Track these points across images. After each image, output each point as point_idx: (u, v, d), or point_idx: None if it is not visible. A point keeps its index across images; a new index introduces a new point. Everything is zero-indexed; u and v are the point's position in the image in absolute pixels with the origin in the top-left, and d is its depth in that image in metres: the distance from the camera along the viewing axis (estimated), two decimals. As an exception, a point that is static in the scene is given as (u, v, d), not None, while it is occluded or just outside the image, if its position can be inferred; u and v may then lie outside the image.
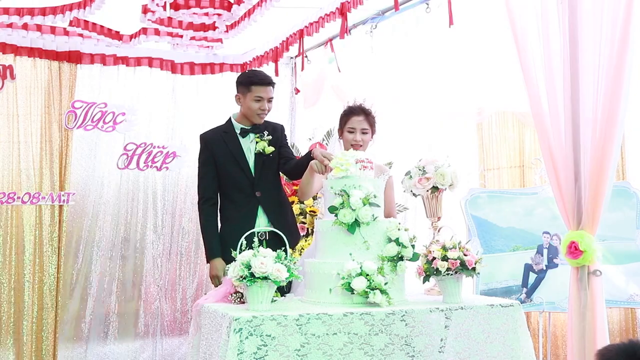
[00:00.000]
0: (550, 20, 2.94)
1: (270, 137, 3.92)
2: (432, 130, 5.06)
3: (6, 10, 4.53)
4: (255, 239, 2.96)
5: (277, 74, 5.14)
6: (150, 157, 5.32)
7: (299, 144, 5.61)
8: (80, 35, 5.04)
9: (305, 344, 2.73)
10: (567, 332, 3.43)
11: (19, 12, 4.54)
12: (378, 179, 3.47)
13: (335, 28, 4.61)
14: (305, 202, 4.96)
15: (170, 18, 4.62)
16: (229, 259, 3.02)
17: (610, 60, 2.75)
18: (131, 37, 5.10)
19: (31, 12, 4.53)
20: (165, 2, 4.28)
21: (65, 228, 5.06)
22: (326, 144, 5.29)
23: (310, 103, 5.59)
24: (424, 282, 3.18)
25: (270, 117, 4.06)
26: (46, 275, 4.98)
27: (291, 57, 5.90)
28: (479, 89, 4.53)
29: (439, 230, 3.58)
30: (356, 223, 3.05)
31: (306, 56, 5.29)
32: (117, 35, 5.09)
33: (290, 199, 4.87)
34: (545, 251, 4.46)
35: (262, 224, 3.82)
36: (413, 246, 3.08)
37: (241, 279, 2.79)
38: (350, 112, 3.79)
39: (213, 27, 4.81)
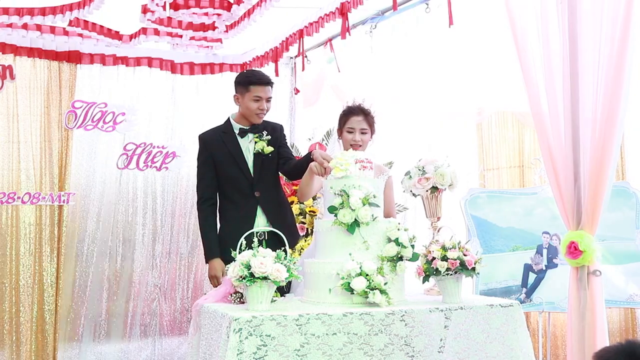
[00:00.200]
0: (549, 20, 2.94)
1: (269, 137, 3.92)
2: (431, 130, 5.07)
3: (6, 10, 4.53)
4: (255, 239, 2.96)
5: (277, 74, 5.14)
6: (150, 157, 5.32)
7: (299, 144, 5.61)
8: (80, 35, 5.04)
9: (305, 344, 2.73)
10: (566, 332, 3.43)
11: (19, 12, 4.54)
12: (378, 179, 3.47)
13: (335, 28, 4.61)
14: (304, 202, 4.96)
15: (169, 18, 4.62)
16: (228, 259, 3.02)
17: (610, 60, 2.75)
18: (131, 37, 5.10)
19: (31, 12, 4.52)
20: (165, 2, 4.28)
21: (65, 228, 5.06)
22: (326, 144, 5.29)
23: (309, 103, 5.59)
24: (423, 282, 3.18)
25: (269, 117, 4.06)
26: (46, 275, 4.98)
27: (291, 57, 5.90)
28: (478, 89, 4.53)
29: (438, 230, 3.57)
30: (356, 223, 3.05)
31: (306, 56, 5.28)
32: (117, 35, 5.09)
33: (290, 199, 4.87)
34: (544, 251, 4.46)
35: (261, 224, 3.82)
36: (413, 246, 3.08)
37: (241, 279, 2.79)
38: (350, 112, 3.79)
39: (213, 27, 4.81)
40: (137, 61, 5.36)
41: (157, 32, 4.93)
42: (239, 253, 2.85)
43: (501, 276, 4.48)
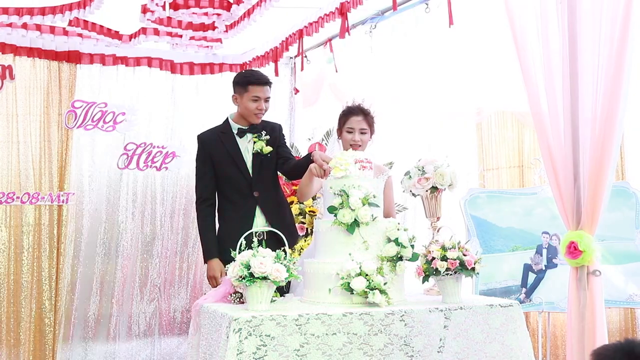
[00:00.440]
0: (549, 20, 2.94)
1: (268, 137, 3.92)
2: (431, 130, 5.06)
3: (5, 10, 4.52)
4: (255, 239, 2.96)
5: (276, 74, 5.14)
6: (150, 157, 5.32)
7: (298, 144, 5.61)
8: (80, 35, 5.03)
9: (305, 344, 2.73)
10: (566, 332, 3.43)
11: (19, 11, 4.54)
12: (377, 179, 3.47)
13: (334, 28, 4.60)
14: (304, 202, 4.97)
15: (169, 18, 4.61)
16: (227, 259, 3.02)
17: (610, 60, 2.75)
18: (130, 37, 5.09)
19: (30, 11, 4.52)
20: (164, 2, 4.28)
21: (64, 228, 5.06)
22: (325, 144, 5.29)
23: (309, 103, 5.59)
24: (423, 282, 3.18)
25: (269, 117, 4.06)
26: (45, 275, 4.97)
27: (291, 57, 5.90)
28: (478, 89, 4.54)
29: (438, 230, 3.57)
30: (355, 223, 3.05)
31: (306, 56, 5.28)
32: (117, 35, 5.09)
33: (290, 199, 4.87)
34: (544, 251, 4.46)
35: (260, 224, 3.82)
36: (412, 246, 3.08)
37: (240, 279, 2.79)
38: (349, 112, 3.79)
39: (212, 27, 4.81)
40: (137, 61, 5.36)
41: (156, 32, 4.93)
42: (239, 253, 2.86)
43: (501, 276, 4.48)
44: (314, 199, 4.99)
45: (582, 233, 2.84)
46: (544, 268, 4.45)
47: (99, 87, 5.25)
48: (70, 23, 4.77)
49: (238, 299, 3.04)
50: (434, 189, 3.56)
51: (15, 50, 4.95)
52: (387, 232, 3.11)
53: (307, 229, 5.06)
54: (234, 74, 4.09)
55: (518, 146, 5.41)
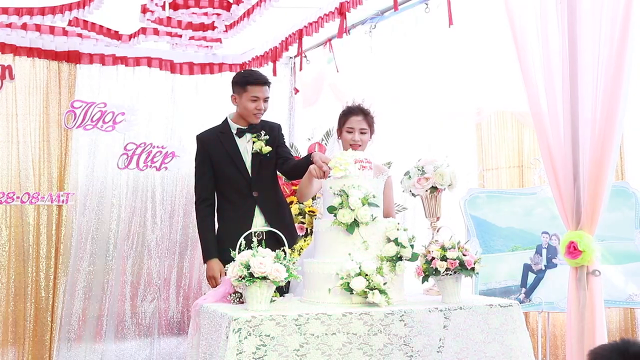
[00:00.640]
0: (549, 20, 2.94)
1: (267, 136, 3.91)
2: (431, 130, 5.06)
3: (5, 10, 4.52)
4: (254, 239, 2.96)
5: (274, 74, 5.14)
6: (150, 157, 5.32)
7: (298, 144, 5.61)
8: (80, 35, 5.04)
9: (304, 344, 2.73)
10: (566, 332, 3.43)
11: (18, 11, 4.54)
12: (377, 178, 3.47)
13: (334, 28, 4.60)
14: (304, 202, 4.97)
15: (169, 18, 4.61)
16: (226, 259, 3.01)
17: (610, 60, 2.75)
18: (130, 36, 5.09)
19: (30, 12, 4.52)
20: (164, 2, 4.28)
21: (63, 228, 5.06)
22: (325, 143, 5.29)
23: (309, 103, 5.59)
24: (423, 282, 3.18)
25: (269, 117, 4.06)
26: (45, 275, 4.97)
27: (290, 57, 5.90)
28: (478, 89, 4.53)
29: (438, 230, 3.57)
30: (355, 223, 3.05)
31: (305, 56, 5.29)
32: (116, 35, 5.09)
33: (289, 199, 4.87)
34: (544, 251, 4.46)
35: (259, 224, 3.82)
36: (412, 246, 3.08)
37: (240, 279, 2.79)
38: (349, 112, 3.79)
39: (212, 27, 4.81)
40: (137, 61, 5.36)
41: (156, 32, 4.93)
42: (238, 253, 2.85)
43: (500, 276, 4.48)
44: (313, 199, 4.99)
45: (581, 233, 2.84)
46: (543, 268, 4.45)
47: (99, 87, 5.25)
48: (69, 23, 4.77)
49: (238, 299, 3.04)
50: (434, 189, 3.56)
51: (15, 50, 4.96)
52: (387, 232, 3.11)
53: (306, 229, 5.06)
54: (233, 74, 4.08)
55: (518, 146, 5.41)
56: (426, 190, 3.56)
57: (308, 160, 3.62)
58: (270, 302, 2.90)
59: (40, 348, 4.94)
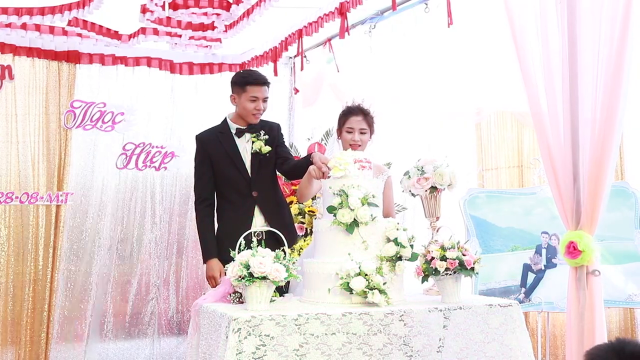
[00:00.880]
0: (549, 20, 2.94)
1: (266, 136, 3.91)
2: (430, 130, 5.06)
3: (5, 10, 4.52)
4: (254, 239, 2.96)
5: (276, 74, 5.14)
6: (149, 157, 5.32)
7: (298, 144, 5.61)
8: (79, 35, 5.03)
9: (304, 343, 2.73)
10: (565, 332, 3.43)
11: (18, 11, 4.54)
12: (377, 178, 3.47)
13: (334, 28, 4.61)
14: (304, 202, 4.97)
15: (169, 18, 4.61)
16: (226, 259, 3.01)
17: (609, 59, 2.75)
18: (130, 36, 5.09)
19: (30, 11, 4.52)
20: (164, 2, 4.28)
21: (62, 228, 5.06)
22: (325, 143, 5.29)
23: (309, 103, 5.59)
24: (422, 282, 3.18)
25: (269, 117, 4.05)
26: (43, 275, 4.97)
27: (290, 57, 5.90)
28: (477, 89, 4.54)
29: (437, 230, 3.57)
30: (355, 223, 3.05)
31: (305, 56, 5.28)
32: (116, 35, 5.09)
33: (289, 199, 4.87)
34: (543, 251, 4.46)
35: (258, 223, 3.82)
36: (412, 246, 3.08)
37: (240, 278, 2.79)
38: (349, 112, 3.79)
39: (212, 26, 4.81)
40: (136, 61, 5.36)
41: (156, 32, 4.93)
42: (238, 253, 2.85)
43: (500, 276, 4.48)
44: (313, 198, 4.99)
45: (581, 233, 2.84)
46: (543, 268, 4.45)
47: (98, 87, 5.25)
48: (69, 23, 4.77)
49: (237, 299, 3.04)
50: (433, 188, 3.55)
51: (15, 50, 4.95)
52: (387, 232, 3.10)
53: (306, 228, 5.06)
54: (233, 74, 4.08)
55: (517, 146, 5.41)
56: (426, 190, 3.56)
57: (308, 161, 3.62)
58: (270, 302, 2.90)
59: (38, 348, 4.94)
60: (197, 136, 4.03)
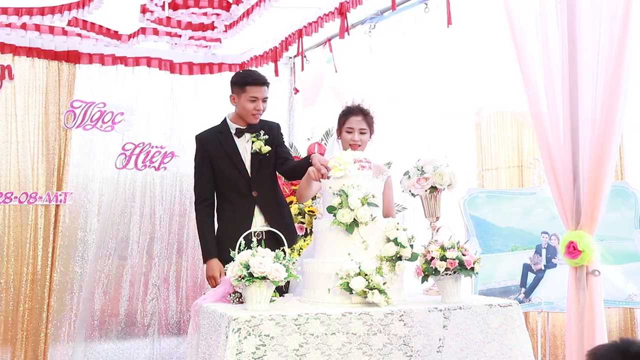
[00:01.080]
0: (548, 20, 2.94)
1: (266, 136, 3.91)
2: (430, 130, 5.06)
3: (5, 10, 4.52)
4: (254, 239, 2.96)
5: (276, 74, 5.14)
6: (149, 157, 5.31)
7: (298, 144, 5.61)
8: (79, 35, 5.03)
9: (304, 343, 2.73)
10: (565, 332, 3.43)
11: (18, 11, 4.54)
12: (377, 178, 3.47)
13: (334, 28, 4.61)
14: (303, 203, 4.96)
15: (168, 18, 4.61)
16: (225, 259, 3.01)
17: (609, 59, 2.75)
18: (130, 36, 5.09)
19: (30, 11, 4.52)
20: (163, 2, 4.28)
21: (61, 227, 5.06)
22: (325, 143, 5.29)
23: (309, 103, 5.59)
24: (422, 282, 3.18)
25: (269, 117, 4.05)
26: (42, 274, 4.97)
27: (290, 57, 5.90)
28: (477, 89, 4.53)
29: (437, 230, 3.57)
30: (355, 223, 3.05)
31: (305, 56, 5.28)
32: (116, 35, 5.09)
33: (289, 199, 4.87)
34: (543, 251, 4.46)
35: (258, 223, 3.82)
36: (412, 246, 3.08)
37: (240, 278, 2.79)
38: (349, 112, 3.79)
39: (212, 26, 4.81)
40: (136, 61, 5.36)
41: (156, 32, 4.93)
42: (238, 253, 2.85)
43: (500, 276, 4.48)
44: (313, 198, 4.99)
45: (581, 233, 2.83)
46: (543, 268, 4.45)
47: (98, 87, 5.25)
48: (69, 23, 4.77)
49: (237, 299, 3.04)
50: (433, 188, 3.55)
51: (15, 50, 4.95)
52: (387, 231, 3.10)
53: (306, 229, 5.06)
54: (233, 74, 4.08)
55: (517, 146, 5.41)
56: (426, 190, 3.56)
57: (307, 162, 3.62)
58: (270, 302, 2.90)
59: (36, 347, 4.94)
60: (196, 136, 4.02)
